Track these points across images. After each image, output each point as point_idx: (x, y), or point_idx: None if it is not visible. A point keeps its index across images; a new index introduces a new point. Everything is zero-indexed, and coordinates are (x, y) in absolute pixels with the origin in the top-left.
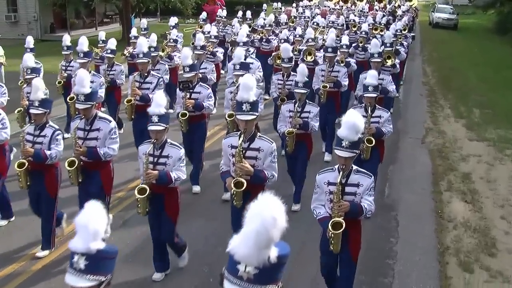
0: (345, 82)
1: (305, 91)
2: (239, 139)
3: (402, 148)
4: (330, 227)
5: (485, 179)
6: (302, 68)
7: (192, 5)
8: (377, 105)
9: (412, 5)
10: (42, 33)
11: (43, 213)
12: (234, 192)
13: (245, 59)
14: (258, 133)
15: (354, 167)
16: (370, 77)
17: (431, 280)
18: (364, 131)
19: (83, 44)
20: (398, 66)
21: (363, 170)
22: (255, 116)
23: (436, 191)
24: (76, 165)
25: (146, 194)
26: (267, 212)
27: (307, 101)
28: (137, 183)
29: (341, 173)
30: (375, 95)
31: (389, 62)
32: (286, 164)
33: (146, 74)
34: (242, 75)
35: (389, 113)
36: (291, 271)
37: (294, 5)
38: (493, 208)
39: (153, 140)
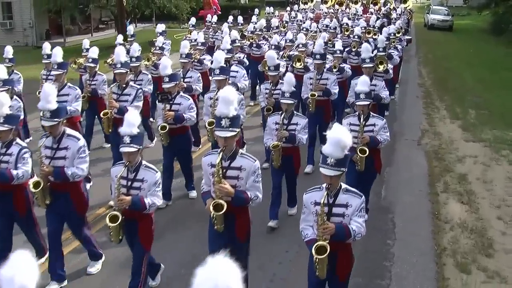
0: (335, 89)
1: (292, 102)
2: (218, 157)
3: (398, 150)
4: (313, 251)
5: (481, 180)
6: (289, 77)
7: (188, 10)
8: (371, 113)
9: (406, 7)
10: (37, 40)
11: (25, 233)
12: (214, 216)
13: (229, 66)
14: (240, 151)
15: (343, 185)
16: (361, 83)
17: (428, 281)
18: (357, 141)
19: (57, 55)
20: (391, 71)
21: (353, 189)
22: (235, 133)
23: (433, 192)
24: (41, 186)
25: (118, 222)
26: (220, 280)
27: (295, 112)
28: None
29: (325, 193)
30: (367, 102)
31: (381, 68)
32: (271, 180)
33: (124, 86)
34: (221, 80)
35: (384, 120)
36: (289, 274)
37: (288, 9)
38: (489, 208)
39: (126, 163)
